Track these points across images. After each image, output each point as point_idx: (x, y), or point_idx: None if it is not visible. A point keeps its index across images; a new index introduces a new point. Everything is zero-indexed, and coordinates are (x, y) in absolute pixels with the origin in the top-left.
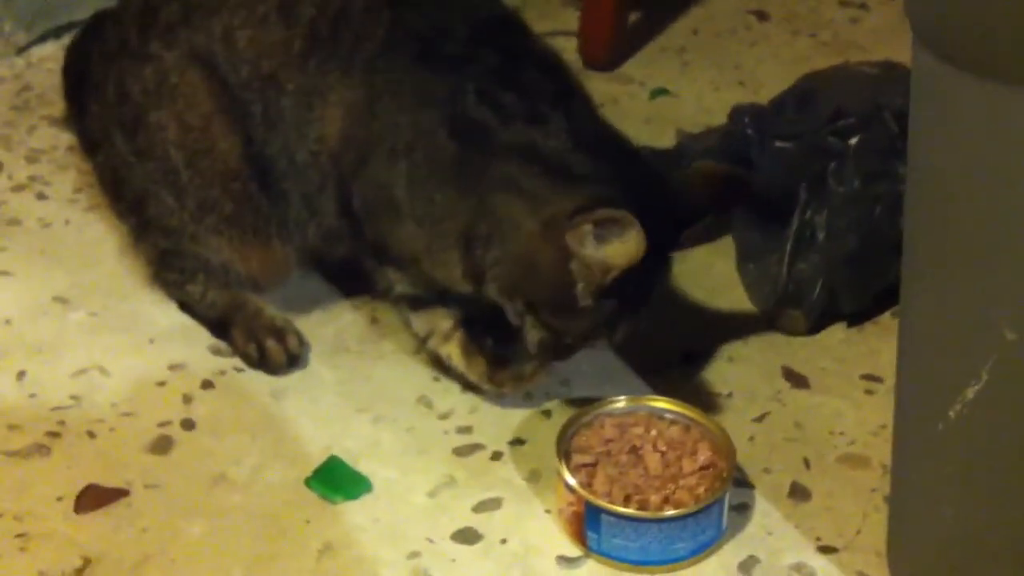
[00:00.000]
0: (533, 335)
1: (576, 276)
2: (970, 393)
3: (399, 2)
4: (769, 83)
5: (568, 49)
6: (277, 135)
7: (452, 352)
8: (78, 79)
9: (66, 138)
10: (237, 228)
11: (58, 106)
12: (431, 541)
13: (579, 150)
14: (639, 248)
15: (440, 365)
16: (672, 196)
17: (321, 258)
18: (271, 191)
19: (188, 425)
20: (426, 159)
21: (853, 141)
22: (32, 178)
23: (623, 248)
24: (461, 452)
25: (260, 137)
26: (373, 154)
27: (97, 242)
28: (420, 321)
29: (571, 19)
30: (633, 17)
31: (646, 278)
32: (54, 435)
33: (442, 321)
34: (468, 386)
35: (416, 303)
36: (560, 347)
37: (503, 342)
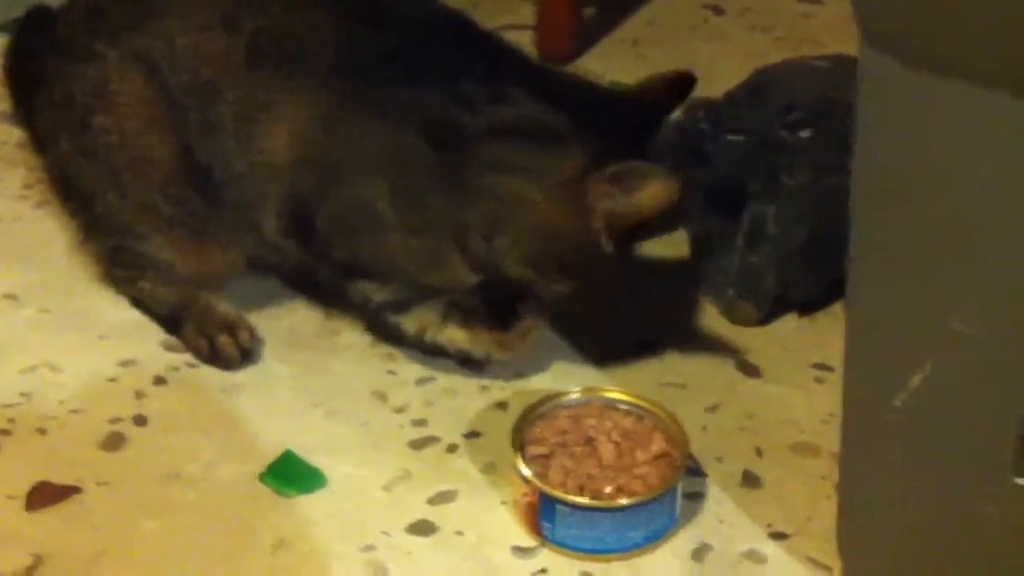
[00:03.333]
0: (561, 290)
1: (600, 230)
2: (915, 382)
3: (341, 19)
4: (724, 77)
5: (525, 43)
6: (214, 143)
7: (453, 335)
8: (24, 76)
9: (16, 133)
10: (177, 229)
11: (6, 102)
12: (386, 534)
13: (549, 111)
14: (670, 191)
15: (445, 355)
16: (639, 112)
17: (271, 265)
18: (211, 197)
19: (140, 421)
20: (407, 169)
21: (805, 135)
22: None
23: (653, 194)
24: (416, 445)
25: (196, 144)
26: (343, 173)
27: (47, 238)
28: (409, 321)
29: (527, 13)
30: (589, 10)
31: None
32: (4, 433)
33: (431, 312)
34: (474, 363)
35: (398, 307)
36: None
37: (492, 310)
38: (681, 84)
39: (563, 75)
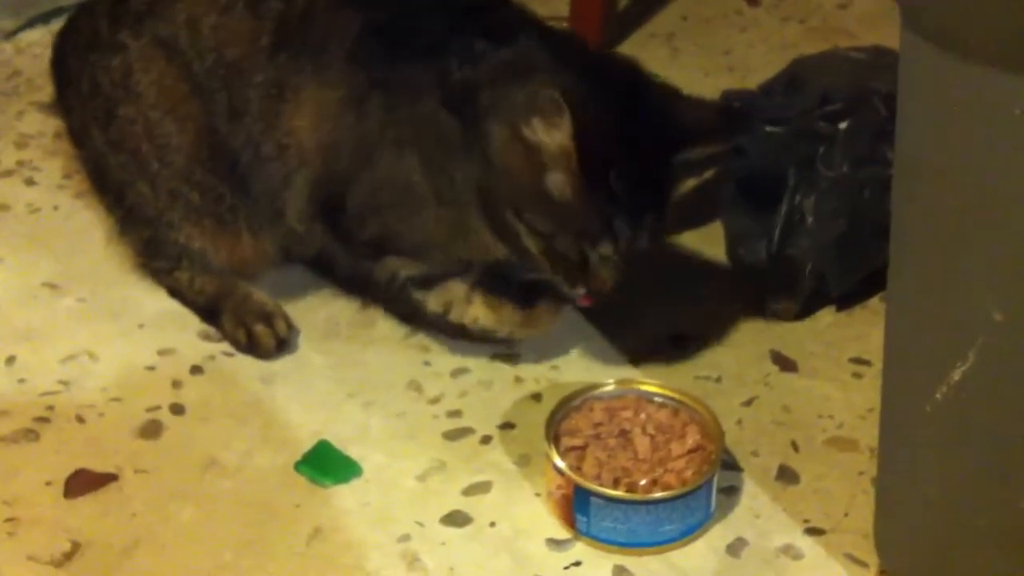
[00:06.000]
0: (533, 246)
1: (545, 168)
2: (957, 374)
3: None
4: (758, 69)
5: None
6: (242, 127)
7: (478, 313)
8: (63, 70)
9: (55, 124)
10: (207, 218)
11: (47, 91)
12: (421, 524)
13: (542, 49)
14: (568, 126)
15: (465, 334)
16: (669, 108)
17: (295, 254)
18: (238, 184)
19: (177, 410)
20: (436, 141)
21: (842, 125)
22: (21, 164)
23: (563, 127)
24: (451, 436)
25: (224, 128)
26: (375, 154)
27: (86, 228)
28: (434, 297)
29: (561, 5)
30: (622, 3)
31: (636, 172)
32: (43, 420)
33: (456, 289)
34: (500, 342)
35: (424, 282)
36: (571, 265)
37: (517, 288)
38: (735, 123)
39: (607, 54)
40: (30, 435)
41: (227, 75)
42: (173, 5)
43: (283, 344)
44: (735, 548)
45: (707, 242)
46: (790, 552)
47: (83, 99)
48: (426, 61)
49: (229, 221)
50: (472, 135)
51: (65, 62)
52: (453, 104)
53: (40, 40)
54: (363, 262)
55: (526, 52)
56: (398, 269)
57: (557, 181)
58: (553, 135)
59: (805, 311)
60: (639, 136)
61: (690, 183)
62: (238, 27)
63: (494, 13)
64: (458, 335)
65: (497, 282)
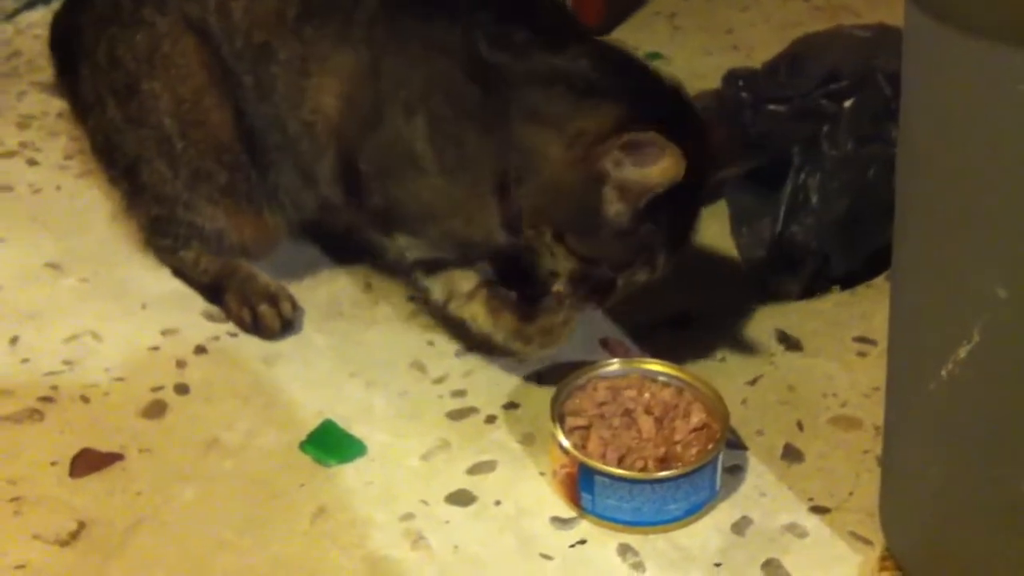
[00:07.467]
0: (564, 266)
1: (608, 199)
2: (962, 352)
3: None
4: (761, 47)
5: None
6: (269, 106)
7: (476, 312)
8: (67, 47)
9: (56, 104)
10: (231, 198)
11: (47, 72)
12: (425, 503)
13: (601, 69)
14: (677, 168)
15: (463, 329)
16: (708, 134)
17: (320, 228)
18: (260, 162)
19: (181, 390)
20: (448, 105)
21: (846, 104)
22: (23, 144)
23: (661, 169)
24: (455, 416)
25: (251, 109)
26: (385, 112)
27: (88, 208)
28: (438, 285)
29: None
30: None
31: (682, 206)
32: (47, 400)
33: (462, 282)
34: (494, 349)
35: (432, 267)
36: (598, 285)
37: (529, 300)
38: (741, 144)
39: (643, 63)
40: (35, 415)
41: (254, 57)
42: None
43: (288, 325)
44: (740, 526)
45: (711, 222)
46: (795, 530)
47: (99, 71)
48: (450, 25)
49: (254, 199)
50: (496, 115)
51: (75, 33)
52: (477, 77)
53: (40, 20)
54: (380, 238)
55: (585, 68)
56: (405, 249)
57: (618, 211)
58: (640, 172)
59: (809, 290)
60: (694, 166)
61: None
62: (266, 8)
63: (538, 8)
64: (449, 325)
65: (503, 291)
